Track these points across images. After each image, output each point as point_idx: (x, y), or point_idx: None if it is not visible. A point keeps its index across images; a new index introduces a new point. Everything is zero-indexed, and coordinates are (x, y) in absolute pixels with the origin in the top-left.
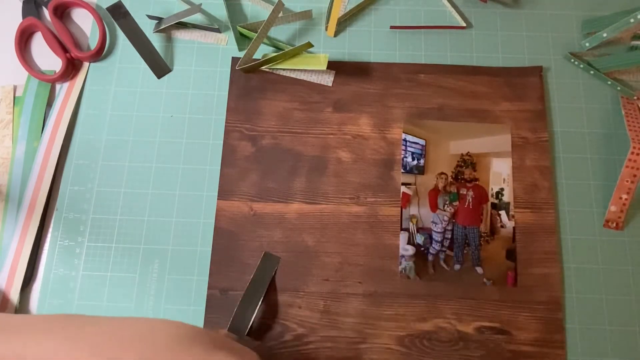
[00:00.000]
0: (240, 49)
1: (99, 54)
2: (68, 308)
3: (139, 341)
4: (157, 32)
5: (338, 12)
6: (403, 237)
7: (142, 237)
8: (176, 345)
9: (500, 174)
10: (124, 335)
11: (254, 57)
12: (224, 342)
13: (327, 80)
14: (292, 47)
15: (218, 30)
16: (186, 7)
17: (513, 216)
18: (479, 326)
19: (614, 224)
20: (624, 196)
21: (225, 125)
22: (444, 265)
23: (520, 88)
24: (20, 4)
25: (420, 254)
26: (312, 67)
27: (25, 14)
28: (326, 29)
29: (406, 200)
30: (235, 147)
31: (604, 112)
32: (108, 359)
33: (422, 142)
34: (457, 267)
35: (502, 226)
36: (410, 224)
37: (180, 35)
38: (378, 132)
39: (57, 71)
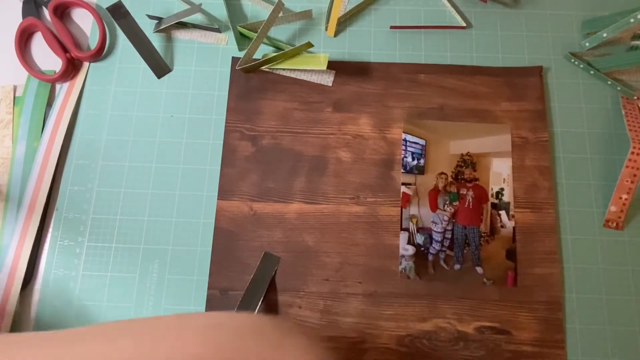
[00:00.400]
0: (240, 49)
1: (99, 54)
2: (68, 308)
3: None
4: (157, 32)
5: (338, 12)
6: (403, 237)
7: (142, 237)
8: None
9: (500, 174)
10: (200, 325)
11: (254, 57)
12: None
13: (327, 80)
14: (292, 47)
15: (218, 30)
16: (186, 7)
17: (513, 216)
18: (479, 326)
19: (614, 224)
20: (624, 196)
21: (225, 125)
22: (444, 265)
23: (520, 88)
24: (20, 4)
25: (420, 254)
26: (312, 67)
27: (25, 14)
28: (326, 29)
29: (406, 200)
30: (235, 147)
31: (604, 112)
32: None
33: (422, 142)
34: (457, 267)
35: (502, 226)
36: (410, 224)
37: (180, 35)
38: (378, 132)
39: (57, 71)
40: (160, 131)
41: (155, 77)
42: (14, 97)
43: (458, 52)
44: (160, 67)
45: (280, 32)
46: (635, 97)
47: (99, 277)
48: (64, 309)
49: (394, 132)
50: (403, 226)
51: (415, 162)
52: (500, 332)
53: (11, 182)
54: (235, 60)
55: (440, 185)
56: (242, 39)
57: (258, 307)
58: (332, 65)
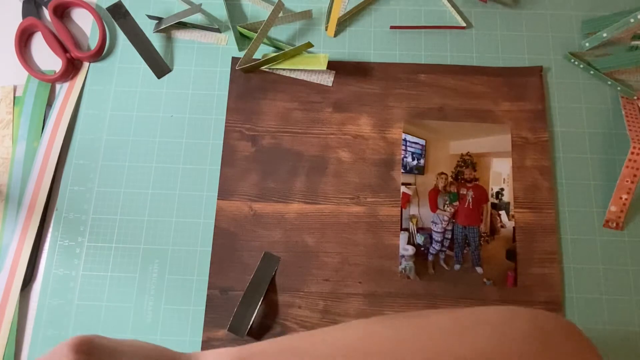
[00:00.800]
0: (240, 49)
1: (99, 54)
2: (68, 308)
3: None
4: (157, 32)
5: (338, 12)
6: (403, 237)
7: (142, 237)
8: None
9: (500, 174)
10: (478, 321)
11: (254, 57)
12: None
13: (327, 80)
14: (292, 47)
15: (218, 30)
16: (186, 7)
17: (513, 216)
18: None
19: (614, 224)
20: (624, 196)
21: (225, 125)
22: (444, 265)
23: (520, 88)
24: (20, 4)
25: (420, 254)
26: (312, 67)
27: (25, 14)
28: (326, 29)
29: (406, 200)
30: (235, 147)
31: (604, 112)
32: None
33: (422, 142)
34: (457, 267)
35: (502, 226)
36: (410, 224)
37: (180, 35)
38: (378, 132)
39: (57, 71)
40: (160, 131)
41: (155, 77)
42: (14, 97)
43: (458, 52)
44: (160, 67)
45: (280, 32)
46: (635, 97)
47: (99, 277)
48: (64, 309)
49: (394, 132)
50: (403, 226)
51: (415, 162)
52: None
53: (11, 182)
54: (235, 60)
55: (440, 185)
56: (242, 39)
57: (258, 307)
58: (332, 65)
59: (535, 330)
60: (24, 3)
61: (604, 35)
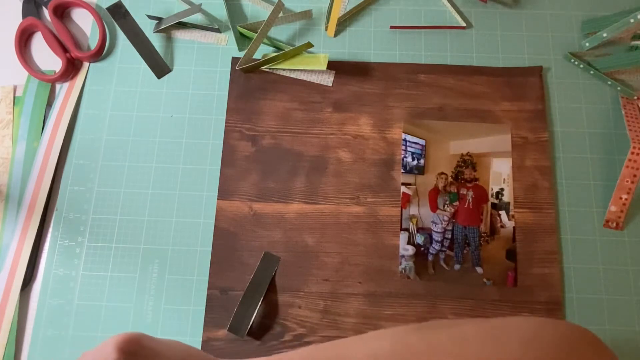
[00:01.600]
0: (240, 49)
1: (99, 54)
2: (68, 308)
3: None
4: (157, 32)
5: (338, 12)
6: (403, 237)
7: (142, 237)
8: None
9: (500, 174)
10: (510, 333)
11: (254, 57)
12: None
13: (327, 80)
14: (292, 47)
15: (218, 30)
16: (186, 7)
17: (513, 216)
18: None
19: (614, 224)
20: (624, 196)
21: (225, 125)
22: (444, 265)
23: (520, 88)
24: (20, 4)
25: (420, 254)
26: (312, 67)
27: (25, 14)
28: (326, 29)
29: (406, 200)
30: (235, 147)
31: (604, 112)
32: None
33: (422, 142)
34: (457, 267)
35: (502, 226)
36: (410, 224)
37: (180, 35)
38: (378, 132)
39: (57, 71)
40: (160, 131)
41: (155, 77)
42: (14, 97)
43: (458, 52)
44: (160, 67)
45: (280, 32)
46: (635, 97)
47: (99, 277)
48: (64, 309)
49: (394, 132)
50: (403, 226)
51: (415, 162)
52: None
53: (11, 182)
54: (235, 60)
55: (440, 185)
56: (242, 39)
57: (258, 307)
58: (332, 65)
59: (561, 340)
60: (24, 3)
61: (604, 35)
